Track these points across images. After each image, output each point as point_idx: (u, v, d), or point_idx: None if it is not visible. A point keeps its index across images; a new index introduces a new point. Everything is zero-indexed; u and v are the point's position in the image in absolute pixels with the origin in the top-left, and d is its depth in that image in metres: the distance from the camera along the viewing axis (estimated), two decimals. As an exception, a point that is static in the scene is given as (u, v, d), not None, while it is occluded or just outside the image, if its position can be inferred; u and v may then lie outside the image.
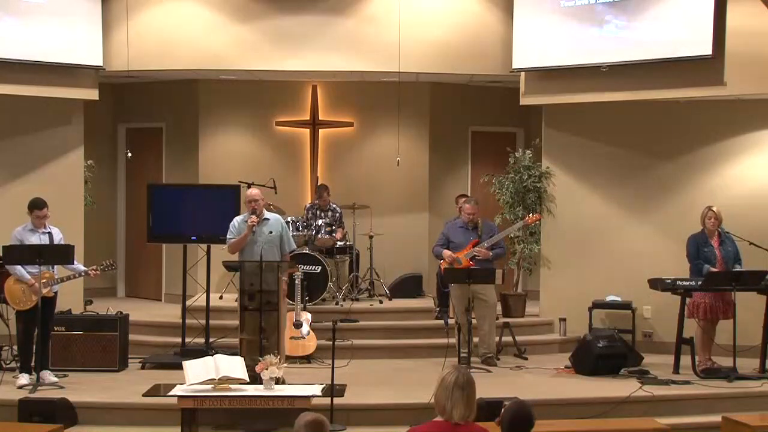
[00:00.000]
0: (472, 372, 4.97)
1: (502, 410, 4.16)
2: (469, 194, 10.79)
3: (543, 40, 9.41)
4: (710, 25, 8.54)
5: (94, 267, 8.02)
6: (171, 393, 6.23)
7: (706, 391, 7.67)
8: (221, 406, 6.13)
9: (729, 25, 8.60)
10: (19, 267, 7.68)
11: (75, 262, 7.97)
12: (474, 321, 8.55)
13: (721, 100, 9.17)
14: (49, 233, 7.85)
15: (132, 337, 8.77)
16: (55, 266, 7.88)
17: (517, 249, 10.11)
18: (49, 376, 7.75)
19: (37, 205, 7.78)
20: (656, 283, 8.48)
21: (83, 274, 8.03)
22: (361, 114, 11.23)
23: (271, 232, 8.03)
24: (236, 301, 8.17)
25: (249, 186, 9.55)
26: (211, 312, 8.81)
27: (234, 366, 6.33)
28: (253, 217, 7.91)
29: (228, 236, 8.04)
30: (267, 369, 6.27)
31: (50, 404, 6.86)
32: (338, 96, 11.18)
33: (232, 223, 8.06)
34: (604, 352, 8.29)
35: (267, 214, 8.17)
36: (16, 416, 6.79)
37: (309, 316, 8.93)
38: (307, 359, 8.73)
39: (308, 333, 8.80)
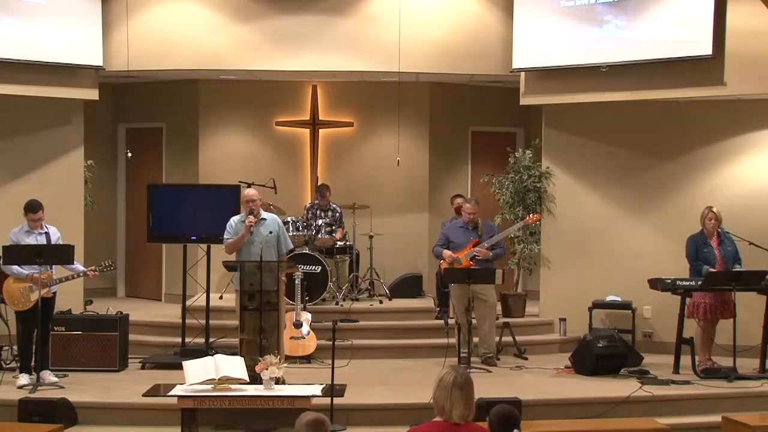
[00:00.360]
0: (472, 372, 4.99)
1: (488, 419, 4.19)
2: (469, 194, 10.81)
3: (543, 40, 9.41)
4: (710, 25, 8.54)
5: (93, 267, 8.00)
6: (171, 393, 6.22)
7: (706, 391, 7.67)
8: (221, 406, 6.12)
9: (729, 25, 8.60)
10: (15, 266, 7.66)
11: (74, 263, 7.96)
12: (474, 321, 8.55)
13: (721, 100, 9.16)
14: (46, 233, 7.83)
15: (132, 337, 8.77)
16: (54, 266, 7.86)
17: (517, 249, 10.11)
18: (49, 376, 7.75)
19: (31, 208, 7.74)
20: (656, 283, 8.47)
21: (82, 274, 8.02)
22: (361, 114, 11.23)
23: (270, 232, 8.03)
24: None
25: (249, 186, 9.55)
26: (211, 312, 8.81)
27: (234, 366, 6.32)
28: (251, 217, 7.90)
29: (225, 236, 8.04)
30: (267, 369, 6.27)
31: (50, 404, 6.86)
32: (338, 96, 11.18)
33: (228, 223, 8.06)
34: (604, 352, 8.29)
35: (264, 214, 8.15)
36: (16, 416, 6.78)
37: (309, 316, 8.93)
38: (307, 359, 8.72)
39: (308, 333, 8.79)
